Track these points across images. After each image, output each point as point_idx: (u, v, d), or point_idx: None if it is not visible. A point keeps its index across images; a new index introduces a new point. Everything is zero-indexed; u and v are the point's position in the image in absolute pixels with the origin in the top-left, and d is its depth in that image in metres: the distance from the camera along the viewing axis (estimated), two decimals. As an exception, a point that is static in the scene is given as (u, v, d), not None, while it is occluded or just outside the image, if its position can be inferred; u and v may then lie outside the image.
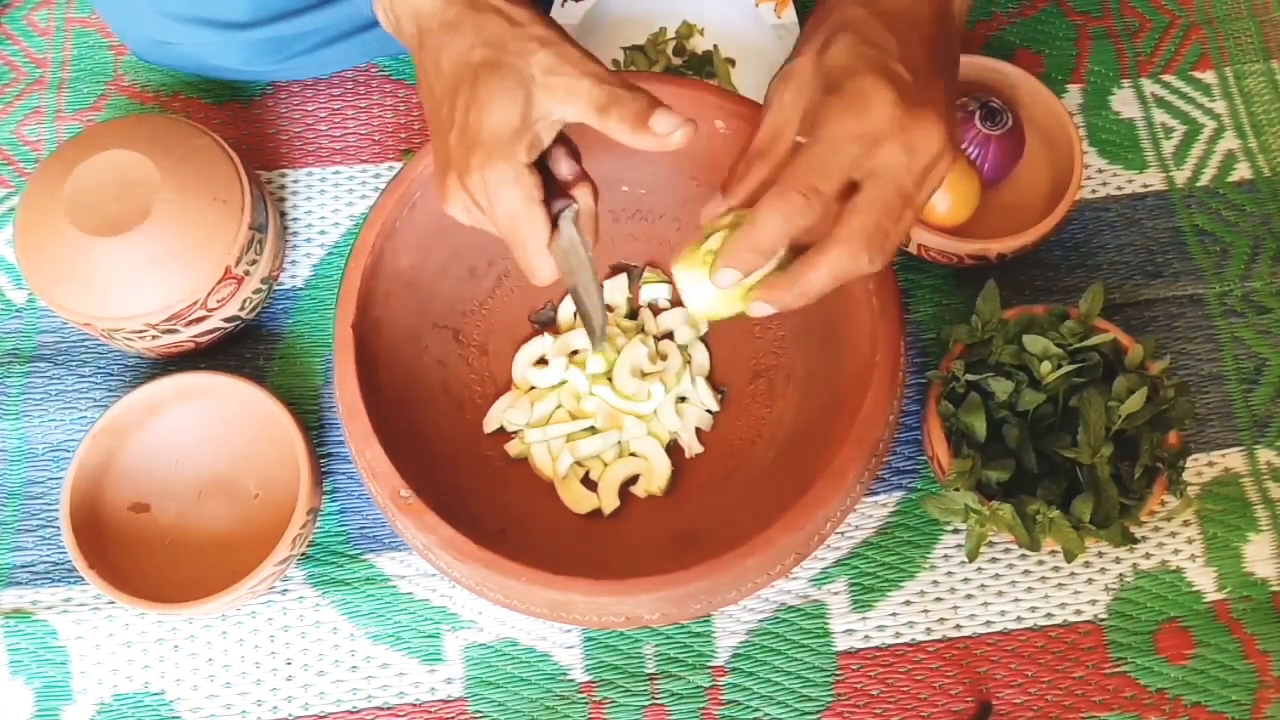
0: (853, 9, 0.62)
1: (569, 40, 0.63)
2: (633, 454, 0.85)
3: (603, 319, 0.70)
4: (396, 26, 0.68)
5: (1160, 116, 0.99)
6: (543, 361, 0.87)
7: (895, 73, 0.59)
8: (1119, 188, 0.96)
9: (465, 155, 0.62)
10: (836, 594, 0.84)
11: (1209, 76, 1.00)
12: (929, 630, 0.83)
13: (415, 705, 0.82)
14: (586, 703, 0.82)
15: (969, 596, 0.84)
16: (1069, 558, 0.78)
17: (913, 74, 0.59)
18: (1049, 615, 0.83)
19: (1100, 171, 0.97)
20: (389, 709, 0.82)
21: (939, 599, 0.84)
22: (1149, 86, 1.00)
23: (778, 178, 0.59)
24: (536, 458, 0.85)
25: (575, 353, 0.87)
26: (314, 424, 0.89)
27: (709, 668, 0.83)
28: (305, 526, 0.81)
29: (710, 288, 0.61)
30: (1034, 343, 0.78)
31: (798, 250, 0.60)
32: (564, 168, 0.66)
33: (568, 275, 0.66)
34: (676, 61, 1.00)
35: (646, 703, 0.82)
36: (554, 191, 0.65)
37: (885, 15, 0.61)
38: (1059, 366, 0.78)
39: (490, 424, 0.86)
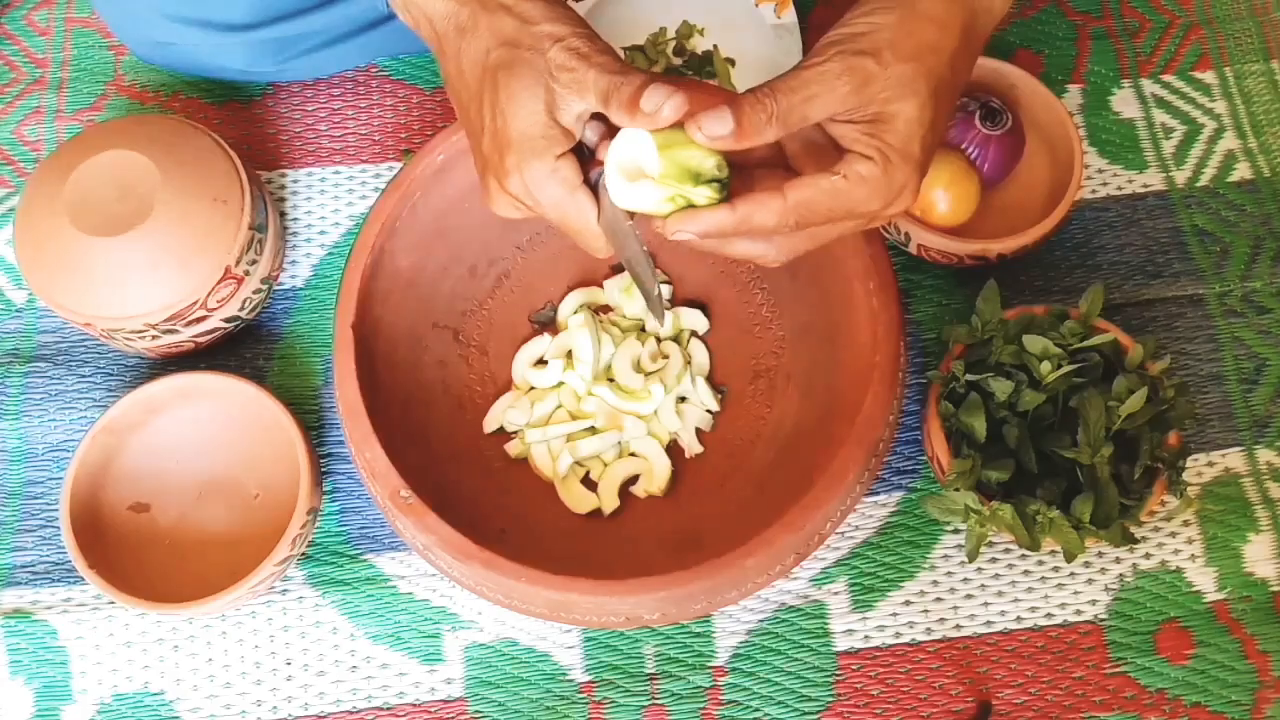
0: (945, 68, 0.62)
1: (582, 30, 0.63)
2: (633, 454, 0.85)
3: (656, 287, 0.69)
4: (416, 27, 0.68)
5: (1160, 116, 0.99)
6: (542, 362, 0.87)
7: (925, 170, 0.63)
8: (1119, 188, 0.96)
9: (500, 159, 0.63)
10: (836, 594, 0.84)
11: (1209, 76, 1.00)
12: (929, 630, 0.83)
13: (415, 705, 0.82)
14: (586, 703, 0.82)
15: (969, 596, 0.84)
16: (1069, 558, 0.78)
17: (932, 157, 0.64)
18: (1049, 615, 0.83)
19: (1100, 171, 0.96)
20: (389, 709, 0.82)
21: (939, 599, 0.84)
22: (1149, 86, 1.00)
23: (779, 180, 0.61)
24: (536, 458, 0.85)
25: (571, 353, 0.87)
26: (314, 424, 0.89)
27: (709, 668, 0.83)
28: (305, 527, 0.81)
29: (651, 190, 0.61)
30: (1034, 343, 0.78)
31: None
32: (589, 133, 0.64)
33: (617, 247, 0.66)
34: (676, 61, 1.00)
35: (646, 703, 0.82)
36: (589, 159, 0.64)
37: (956, 88, 0.64)
38: (1059, 366, 0.78)
39: (490, 424, 0.86)
